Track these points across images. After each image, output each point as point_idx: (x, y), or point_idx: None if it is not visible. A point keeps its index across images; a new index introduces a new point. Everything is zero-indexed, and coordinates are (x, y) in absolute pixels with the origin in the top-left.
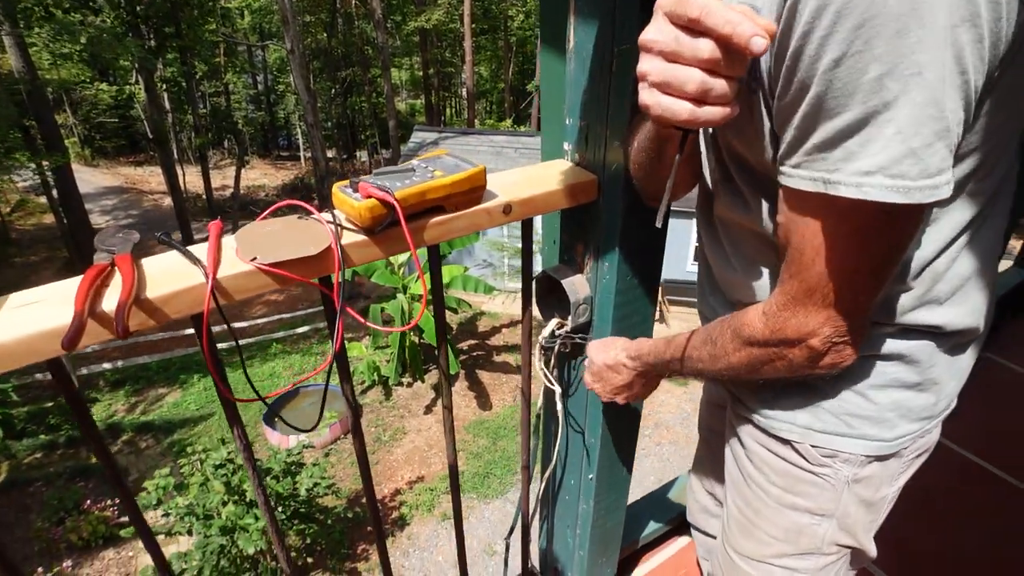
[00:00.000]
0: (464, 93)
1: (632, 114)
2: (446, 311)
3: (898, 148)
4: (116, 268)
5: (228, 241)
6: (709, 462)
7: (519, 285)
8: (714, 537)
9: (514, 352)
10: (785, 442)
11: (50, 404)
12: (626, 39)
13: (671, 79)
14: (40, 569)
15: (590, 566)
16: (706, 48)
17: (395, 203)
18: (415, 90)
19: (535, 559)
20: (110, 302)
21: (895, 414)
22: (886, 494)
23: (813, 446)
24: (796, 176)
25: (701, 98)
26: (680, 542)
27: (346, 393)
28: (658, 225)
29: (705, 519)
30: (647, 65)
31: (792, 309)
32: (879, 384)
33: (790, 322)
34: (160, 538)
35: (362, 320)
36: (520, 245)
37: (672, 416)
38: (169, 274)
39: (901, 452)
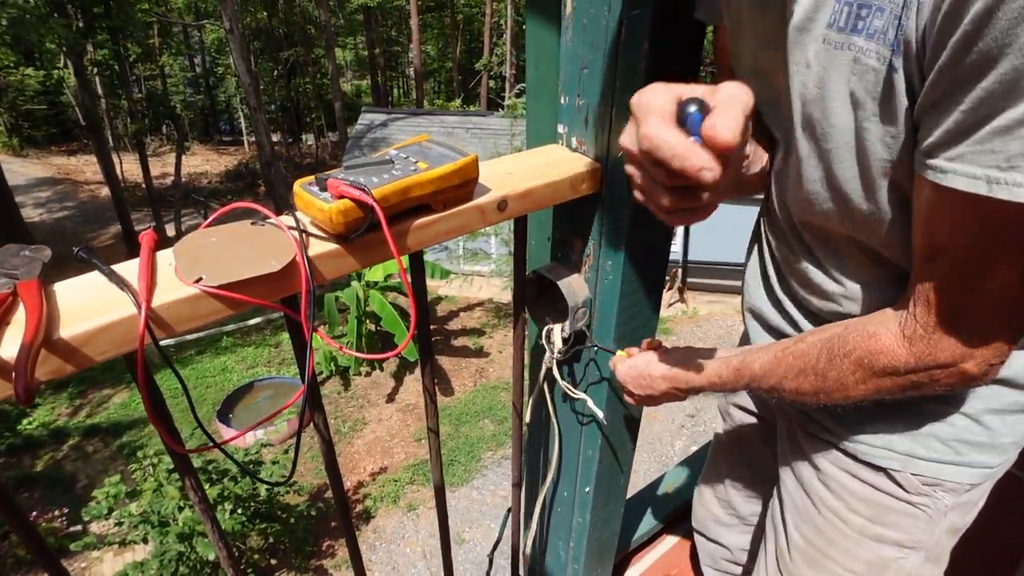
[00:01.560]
0: (411, 72)
1: None
2: (402, 296)
3: None
4: (19, 299)
5: (165, 256)
6: (728, 472)
7: (475, 267)
8: (724, 546)
9: (472, 336)
10: (879, 469)
11: None
12: (637, 3)
13: (648, 191)
14: None
15: None
16: (664, 175)
17: (374, 204)
18: (361, 70)
19: (520, 569)
20: (10, 347)
21: (1009, 440)
22: (973, 517)
23: (914, 474)
24: (951, 173)
25: (673, 210)
26: (670, 540)
27: (318, 425)
28: None
29: (717, 529)
30: (630, 169)
31: (942, 331)
32: (996, 408)
33: (941, 344)
34: (114, 548)
35: (342, 349)
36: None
37: None
38: (90, 304)
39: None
